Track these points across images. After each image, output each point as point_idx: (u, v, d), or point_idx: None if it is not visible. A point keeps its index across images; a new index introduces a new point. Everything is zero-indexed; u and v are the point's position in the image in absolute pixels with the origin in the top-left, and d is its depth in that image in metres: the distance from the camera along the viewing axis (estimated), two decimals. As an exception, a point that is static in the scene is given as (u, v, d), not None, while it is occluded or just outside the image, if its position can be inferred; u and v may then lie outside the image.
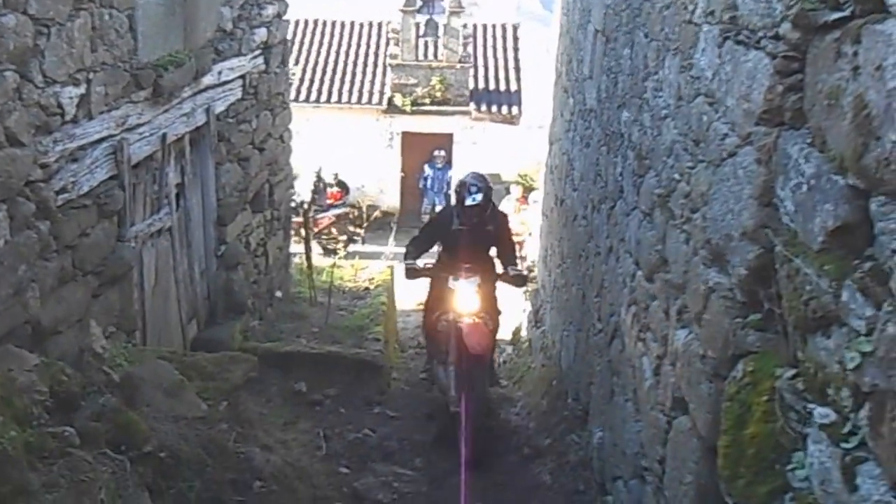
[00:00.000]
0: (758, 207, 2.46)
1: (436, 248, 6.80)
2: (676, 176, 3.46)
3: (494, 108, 19.94)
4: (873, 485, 1.75)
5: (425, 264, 6.44)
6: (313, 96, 19.92)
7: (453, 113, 19.86)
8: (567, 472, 5.57)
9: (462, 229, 6.13)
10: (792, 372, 2.26)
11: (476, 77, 20.41)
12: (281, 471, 4.21)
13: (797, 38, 2.21)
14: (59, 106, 4.19)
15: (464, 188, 6.10)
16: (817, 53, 2.10)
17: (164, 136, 5.65)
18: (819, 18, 2.04)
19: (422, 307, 7.06)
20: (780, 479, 2.24)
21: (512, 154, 19.10)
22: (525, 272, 6.32)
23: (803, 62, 2.21)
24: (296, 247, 10.12)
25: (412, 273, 6.35)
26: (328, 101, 19.97)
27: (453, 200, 6.54)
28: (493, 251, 6.50)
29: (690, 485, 3.02)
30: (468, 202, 6.02)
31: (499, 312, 6.49)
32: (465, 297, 5.97)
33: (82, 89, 4.41)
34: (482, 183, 6.15)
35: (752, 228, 2.49)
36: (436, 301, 6.38)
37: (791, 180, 2.23)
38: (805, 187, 2.14)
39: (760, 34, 2.45)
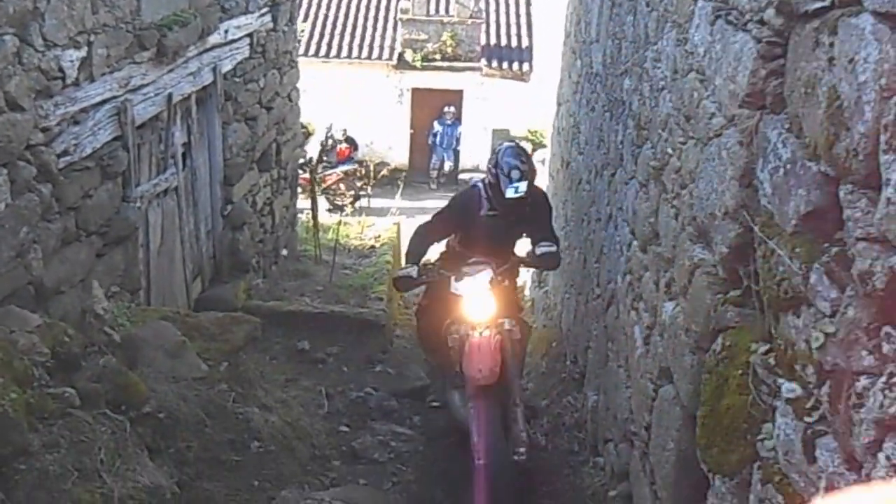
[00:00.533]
0: (739, 188, 2.50)
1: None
2: (669, 150, 3.48)
3: (505, 65, 19.74)
4: (829, 457, 1.83)
5: (424, 264, 5.08)
6: (322, 51, 19.77)
7: (464, 69, 19.68)
8: (562, 433, 5.68)
9: (493, 215, 5.02)
10: (765, 347, 2.33)
11: (488, 33, 20.18)
12: (280, 431, 4.31)
13: (780, 24, 2.23)
14: (60, 69, 4.22)
15: (501, 171, 4.84)
16: (798, 41, 2.11)
17: (170, 96, 5.67)
18: (801, 7, 2.06)
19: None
20: (749, 448, 2.32)
21: (522, 110, 19.00)
22: (556, 248, 5.00)
23: (785, 48, 2.23)
24: (303, 203, 10.15)
25: (406, 284, 4.97)
26: (338, 55, 19.83)
27: (482, 167, 5.14)
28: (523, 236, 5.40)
29: (672, 451, 3.11)
30: (509, 194, 4.77)
31: (520, 309, 5.49)
32: (474, 301, 4.77)
33: (83, 52, 4.43)
34: (525, 164, 4.87)
35: (734, 208, 2.54)
36: (442, 304, 5.12)
37: (769, 163, 2.27)
38: (782, 171, 2.18)
39: (748, 17, 2.47)
